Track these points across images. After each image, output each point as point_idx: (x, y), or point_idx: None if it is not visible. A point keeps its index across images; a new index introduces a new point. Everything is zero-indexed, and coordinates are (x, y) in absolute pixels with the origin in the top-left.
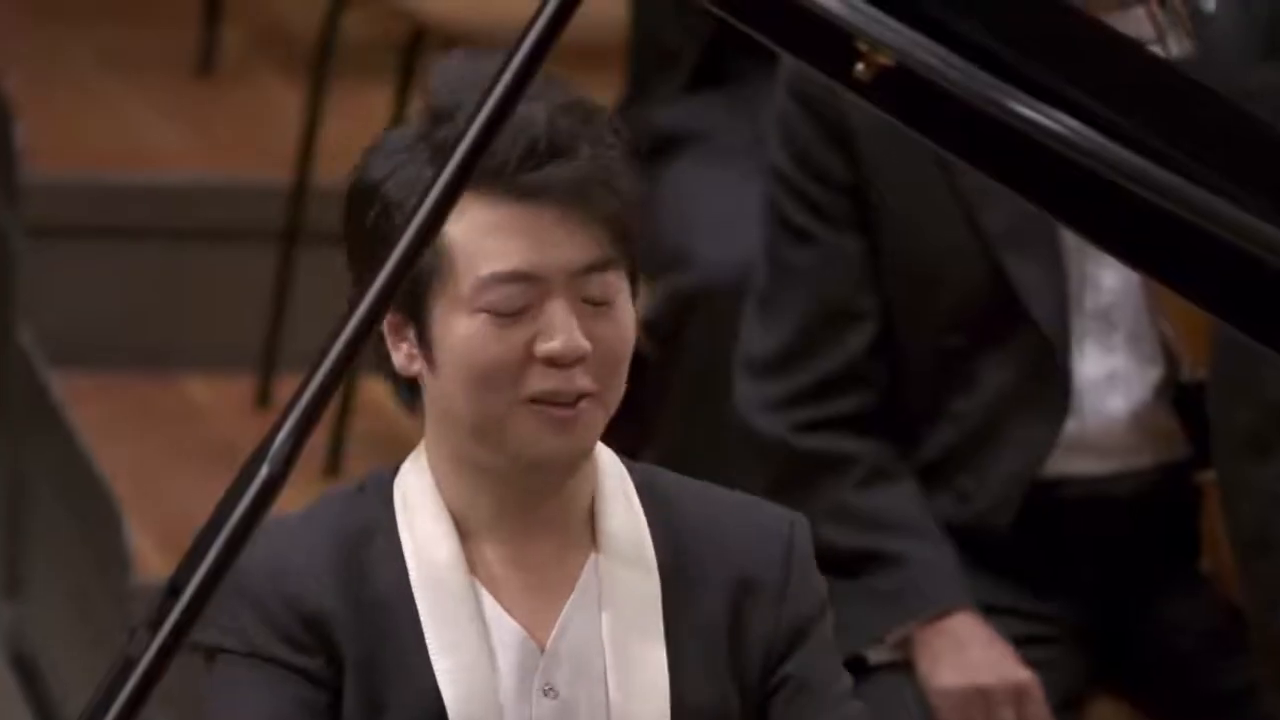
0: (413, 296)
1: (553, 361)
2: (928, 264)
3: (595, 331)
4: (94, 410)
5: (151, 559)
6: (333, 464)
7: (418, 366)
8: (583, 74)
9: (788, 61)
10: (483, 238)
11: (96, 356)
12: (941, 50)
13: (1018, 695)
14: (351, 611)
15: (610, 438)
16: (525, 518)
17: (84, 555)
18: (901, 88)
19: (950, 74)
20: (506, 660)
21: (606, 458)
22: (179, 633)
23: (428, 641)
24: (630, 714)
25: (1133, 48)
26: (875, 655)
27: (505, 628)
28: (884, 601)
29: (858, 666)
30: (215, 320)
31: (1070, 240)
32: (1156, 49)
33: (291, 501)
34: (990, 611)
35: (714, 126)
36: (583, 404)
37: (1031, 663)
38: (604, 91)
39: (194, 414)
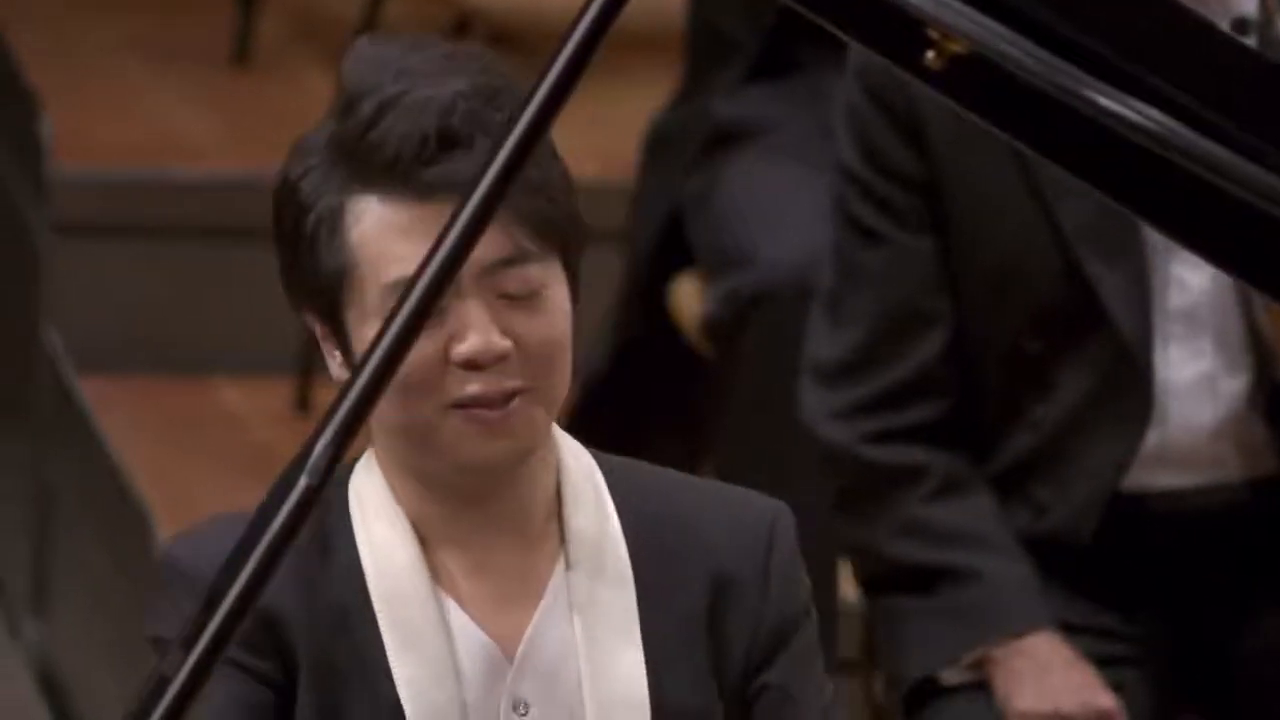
0: (328, 304)
1: (470, 364)
2: (1002, 260)
3: (518, 326)
4: (123, 416)
5: None
6: None
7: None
8: (637, 64)
9: (856, 51)
10: (384, 241)
11: (126, 360)
12: (1017, 37)
13: None
14: (307, 616)
15: (667, 442)
16: (480, 521)
17: (113, 569)
18: (974, 77)
19: (1026, 62)
20: (473, 671)
21: (570, 452)
22: (215, 649)
23: (387, 649)
24: None
25: (1221, 37)
26: (950, 676)
27: (471, 637)
28: (960, 620)
29: (931, 687)
30: (252, 322)
31: (1153, 236)
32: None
33: None
34: (1067, 630)
35: (775, 119)
36: (515, 403)
37: (1108, 684)
38: (661, 83)
39: (229, 420)
